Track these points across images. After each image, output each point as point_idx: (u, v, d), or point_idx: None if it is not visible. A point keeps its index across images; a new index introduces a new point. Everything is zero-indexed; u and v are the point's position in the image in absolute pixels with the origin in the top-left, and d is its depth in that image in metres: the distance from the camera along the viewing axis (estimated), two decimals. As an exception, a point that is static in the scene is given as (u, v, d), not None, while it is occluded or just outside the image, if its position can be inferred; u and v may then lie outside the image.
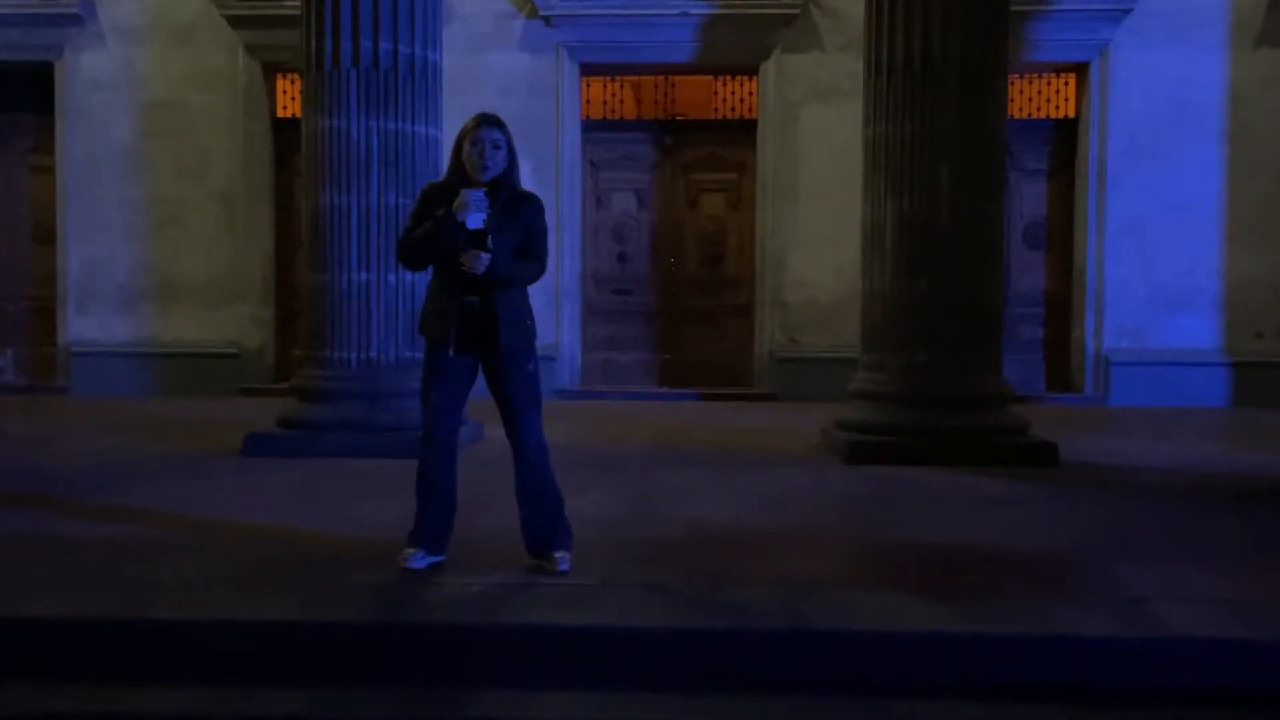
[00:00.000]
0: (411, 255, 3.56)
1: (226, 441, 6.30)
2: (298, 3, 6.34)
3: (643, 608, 3.24)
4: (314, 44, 6.16)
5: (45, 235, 9.91)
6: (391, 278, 6.17)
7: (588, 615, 3.16)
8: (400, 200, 6.14)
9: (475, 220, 3.36)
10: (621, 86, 9.97)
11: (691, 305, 9.92)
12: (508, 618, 3.17)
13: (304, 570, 3.61)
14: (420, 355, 6.22)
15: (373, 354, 6.15)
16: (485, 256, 3.35)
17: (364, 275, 6.13)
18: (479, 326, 3.47)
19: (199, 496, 4.87)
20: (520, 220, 3.52)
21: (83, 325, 9.76)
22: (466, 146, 3.48)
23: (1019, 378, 8.90)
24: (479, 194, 3.38)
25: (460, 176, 3.50)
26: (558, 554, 3.58)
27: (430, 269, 3.61)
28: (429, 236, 3.44)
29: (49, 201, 9.82)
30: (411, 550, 3.57)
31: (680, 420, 7.89)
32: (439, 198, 3.49)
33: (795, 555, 3.89)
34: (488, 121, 3.49)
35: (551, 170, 9.40)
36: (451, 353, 3.50)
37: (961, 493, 5.11)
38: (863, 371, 6.35)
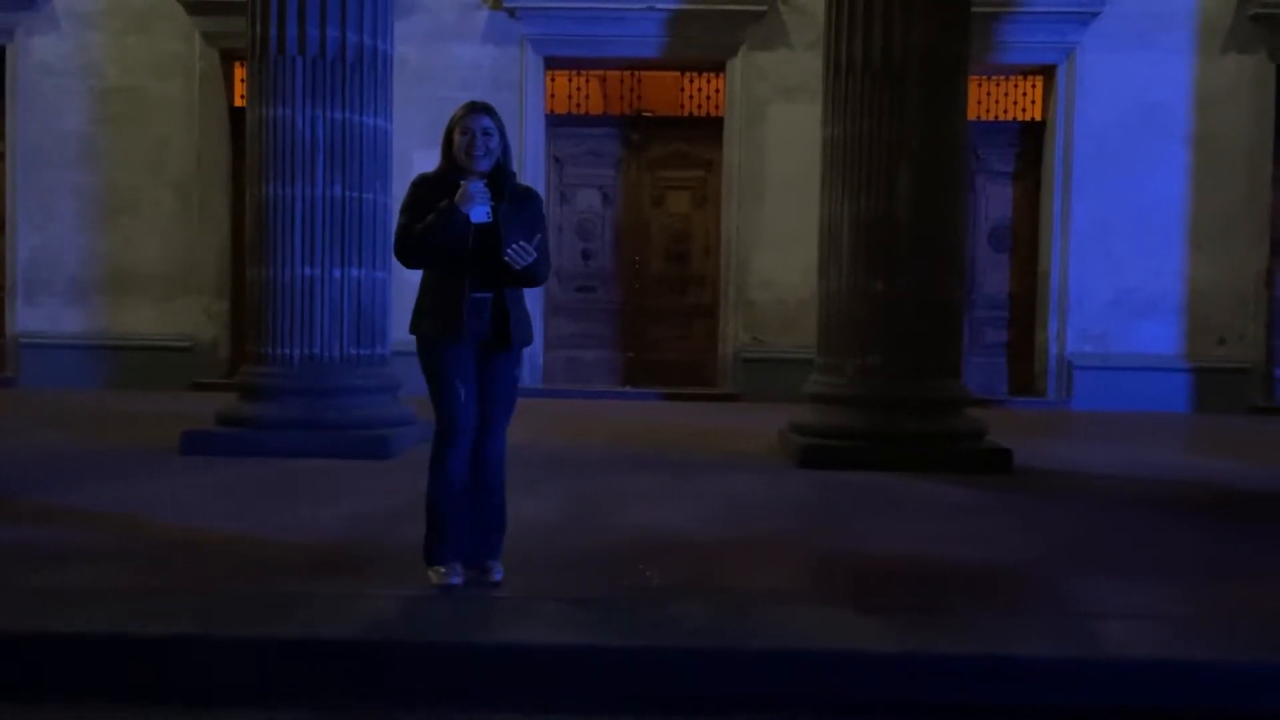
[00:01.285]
0: (414, 252, 3.33)
1: (168, 439, 6.11)
2: (251, -11, 6.17)
3: (573, 624, 3.12)
4: (259, 30, 6.00)
5: (-7, 223, 9.68)
6: (336, 272, 6.02)
7: (514, 632, 3.04)
8: (347, 193, 6.00)
9: (480, 214, 3.22)
10: (587, 81, 9.84)
11: (656, 304, 9.81)
12: (429, 633, 3.04)
13: (226, 579, 3.45)
14: (365, 352, 6.16)
15: (316, 350, 5.99)
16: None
17: (308, 270, 5.97)
18: (491, 324, 3.33)
19: (128, 497, 4.69)
20: (527, 214, 3.38)
21: (31, 316, 9.54)
22: (456, 136, 3.33)
23: (982, 380, 8.88)
24: (480, 185, 3.24)
25: (452, 167, 3.35)
26: (491, 563, 3.46)
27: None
28: (434, 230, 3.25)
29: (-2, 189, 9.60)
30: (443, 568, 3.38)
31: (640, 420, 7.78)
32: (433, 190, 3.32)
33: (738, 566, 3.78)
34: (477, 109, 3.35)
35: (515, 165, 9.24)
36: (462, 338, 3.29)
37: (914, 500, 5.02)
38: (818, 374, 6.25)
